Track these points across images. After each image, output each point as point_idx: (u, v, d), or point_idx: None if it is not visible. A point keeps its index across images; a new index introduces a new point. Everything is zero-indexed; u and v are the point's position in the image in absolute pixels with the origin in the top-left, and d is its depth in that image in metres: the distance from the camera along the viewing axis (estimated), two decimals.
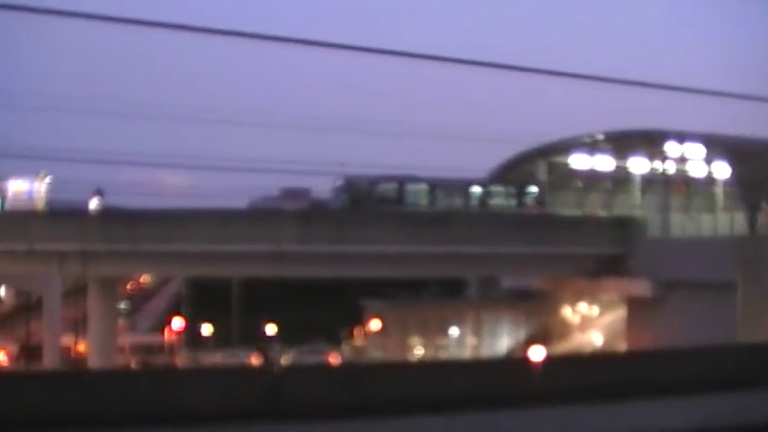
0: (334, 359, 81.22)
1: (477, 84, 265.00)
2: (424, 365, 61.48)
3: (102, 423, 28.01)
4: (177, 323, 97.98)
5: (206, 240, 56.48)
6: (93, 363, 64.87)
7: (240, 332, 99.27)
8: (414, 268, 62.09)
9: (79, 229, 57.87)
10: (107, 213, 62.64)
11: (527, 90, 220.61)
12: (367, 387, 36.33)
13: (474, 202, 67.36)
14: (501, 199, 68.31)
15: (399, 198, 66.27)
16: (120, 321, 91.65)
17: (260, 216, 62.20)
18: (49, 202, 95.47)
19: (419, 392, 35.93)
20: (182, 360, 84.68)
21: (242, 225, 57.96)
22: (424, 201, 66.54)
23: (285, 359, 73.15)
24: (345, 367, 58.57)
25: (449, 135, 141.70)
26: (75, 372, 60.67)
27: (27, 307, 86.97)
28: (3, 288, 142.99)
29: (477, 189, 68.06)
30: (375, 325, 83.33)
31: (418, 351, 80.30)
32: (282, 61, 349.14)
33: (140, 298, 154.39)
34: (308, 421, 29.95)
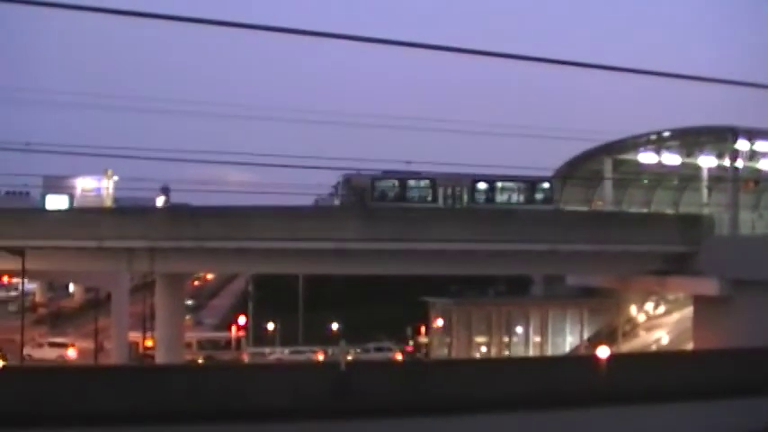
0: (398, 356, 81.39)
1: (543, 81, 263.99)
2: (487, 363, 61.44)
3: (172, 418, 28.33)
4: (243, 320, 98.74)
5: (271, 237, 56.70)
6: (161, 358, 65.48)
7: (305, 329, 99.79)
8: (477, 265, 61.87)
9: (146, 225, 58.39)
10: (174, 210, 63.24)
11: (594, 87, 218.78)
12: (431, 384, 36.42)
13: (480, 198, 65.65)
14: (509, 195, 66.39)
15: (401, 194, 65.24)
16: (187, 317, 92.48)
17: (324, 213, 62.27)
18: (117, 200, 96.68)
19: (483, 390, 35.94)
20: (247, 356, 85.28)
21: (306, 222, 58.07)
22: (426, 197, 65.33)
23: (350, 356, 73.40)
24: (410, 365, 58.67)
25: (515, 132, 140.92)
26: (143, 367, 61.42)
27: (96, 303, 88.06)
28: (72, 285, 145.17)
29: (483, 185, 66.11)
30: (439, 322, 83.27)
31: (483, 349, 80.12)
32: (351, 59, 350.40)
33: (206, 294, 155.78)
34: (373, 418, 30.05)
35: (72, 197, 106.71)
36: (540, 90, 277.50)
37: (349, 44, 16.48)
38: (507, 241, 58.55)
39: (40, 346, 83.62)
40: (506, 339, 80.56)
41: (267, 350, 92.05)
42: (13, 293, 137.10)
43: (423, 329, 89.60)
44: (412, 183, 65.51)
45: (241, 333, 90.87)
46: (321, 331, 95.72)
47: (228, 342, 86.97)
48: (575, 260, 62.34)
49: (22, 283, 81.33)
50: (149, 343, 74.05)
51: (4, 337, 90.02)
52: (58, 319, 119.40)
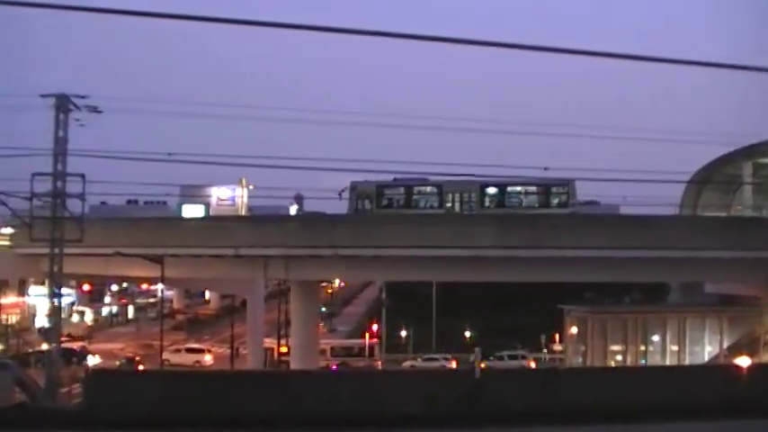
0: (532, 364, 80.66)
1: (678, 84, 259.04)
2: (623, 372, 60.45)
3: (307, 424, 28.59)
4: (376, 327, 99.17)
5: (404, 245, 56.85)
6: (295, 365, 66.16)
7: (438, 336, 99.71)
8: (612, 272, 60.89)
9: (281, 233, 59.14)
10: (308, 218, 63.88)
11: (732, 89, 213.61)
12: (566, 392, 35.98)
13: (489, 203, 64.47)
14: (521, 199, 64.88)
15: (407, 201, 65.05)
16: (321, 324, 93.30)
17: (457, 221, 62.10)
18: (251, 208, 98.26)
19: (618, 399, 35.37)
20: (381, 363, 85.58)
21: (440, 229, 58.02)
22: (433, 203, 64.73)
23: (484, 364, 73.03)
24: (544, 372, 58.08)
25: (652, 137, 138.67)
26: (278, 373, 62.15)
27: (231, 310, 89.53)
28: (208, 292, 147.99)
29: (492, 189, 64.77)
30: (574, 330, 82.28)
31: (618, 357, 78.84)
32: (484, 64, 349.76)
33: (340, 302, 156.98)
34: (506, 425, 29.82)
35: (208, 206, 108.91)
36: (679, 93, 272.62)
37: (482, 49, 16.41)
38: (643, 248, 57.40)
39: (178, 351, 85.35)
40: (642, 348, 78.99)
41: (400, 357, 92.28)
42: (152, 300, 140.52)
43: (557, 337, 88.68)
44: (418, 189, 65.10)
45: (374, 340, 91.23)
46: (454, 339, 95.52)
47: (362, 349, 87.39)
48: (714, 267, 60.79)
49: (161, 290, 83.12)
50: (284, 349, 74.90)
51: (144, 342, 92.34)
52: (195, 326, 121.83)
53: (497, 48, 13.81)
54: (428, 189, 65.15)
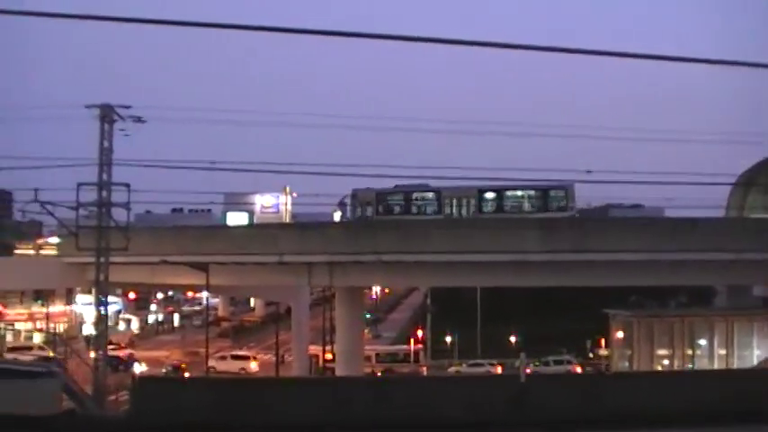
0: (578, 369, 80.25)
1: (721, 84, 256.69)
2: (670, 376, 59.89)
3: (352, 430, 28.62)
4: (421, 333, 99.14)
5: (448, 250, 56.74)
6: (341, 371, 66.27)
7: (483, 342, 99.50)
8: (658, 276, 60.40)
9: (325, 240, 59.25)
10: (351, 225, 64.00)
11: None
12: (613, 397, 35.75)
13: (488, 208, 65.02)
14: (519, 203, 65.21)
15: (406, 207, 65.91)
16: (366, 331, 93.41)
17: (501, 225, 61.89)
18: (295, 215, 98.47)
19: (665, 404, 35.08)
20: (426, 369, 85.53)
21: (484, 234, 57.85)
22: (432, 209, 65.48)
23: (529, 369, 72.70)
24: (590, 377, 57.78)
25: (695, 138, 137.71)
26: (324, 379, 62.28)
27: (276, 317, 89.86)
28: (253, 299, 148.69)
29: (490, 194, 65.11)
30: (620, 335, 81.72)
31: (665, 362, 78.17)
32: (522, 67, 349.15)
33: (384, 308, 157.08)
34: (552, 431, 29.68)
35: (252, 214, 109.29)
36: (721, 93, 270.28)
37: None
38: (690, 250, 56.83)
39: (224, 358, 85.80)
40: (689, 352, 78.30)
41: (446, 363, 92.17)
42: (197, 308, 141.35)
43: (603, 342, 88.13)
44: (416, 195, 65.70)
45: (419, 346, 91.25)
46: (499, 344, 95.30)
47: (407, 355, 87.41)
48: (762, 269, 60.03)
49: (206, 298, 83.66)
50: (329, 356, 75.05)
51: (190, 349, 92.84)
52: (240, 333, 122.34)
53: (533, 51, 13.78)
54: (426, 195, 65.99)
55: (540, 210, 63.93)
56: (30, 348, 69.60)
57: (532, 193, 64.86)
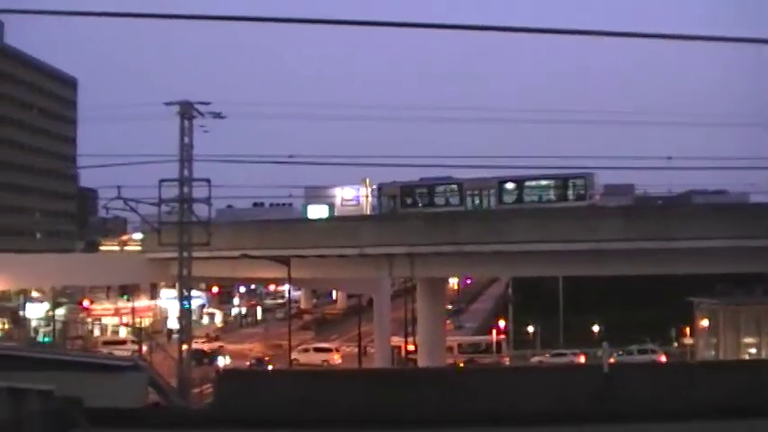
0: (662, 359, 79.31)
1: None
2: (758, 365, 58.90)
3: (434, 421, 28.61)
4: (502, 323, 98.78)
5: (527, 240, 56.34)
6: (423, 362, 66.29)
7: (566, 331, 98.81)
8: (743, 263, 59.20)
9: (405, 231, 59.18)
10: (431, 215, 63.95)
11: None
12: (698, 387, 35.25)
13: (509, 199, 65.53)
14: (539, 194, 65.66)
15: (430, 200, 67.20)
16: (447, 321, 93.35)
17: (582, 213, 61.32)
18: (374, 207, 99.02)
19: (754, 394, 34.46)
20: (508, 359, 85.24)
21: (563, 223, 57.34)
22: (455, 201, 66.39)
23: (612, 359, 72.02)
24: (675, 367, 57.04)
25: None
26: (406, 371, 62.33)
27: (358, 309, 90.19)
28: (335, 291, 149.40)
29: (510, 185, 65.67)
30: (705, 323, 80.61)
31: (752, 350, 76.92)
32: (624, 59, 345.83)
33: (466, 299, 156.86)
34: (636, 422, 29.36)
35: (332, 207, 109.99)
36: None
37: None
38: None
39: (306, 351, 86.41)
40: None
41: (528, 353, 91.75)
42: (280, 301, 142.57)
43: (687, 331, 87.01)
44: (439, 188, 67.30)
45: (501, 336, 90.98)
46: (582, 333, 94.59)
47: (489, 346, 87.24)
48: None
49: (288, 291, 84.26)
50: (411, 347, 75.19)
51: (273, 342, 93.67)
52: (323, 325, 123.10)
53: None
54: (449, 187, 67.32)
55: (560, 199, 64.55)
56: (123, 342, 70.75)
57: (551, 182, 65.51)
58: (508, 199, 65.68)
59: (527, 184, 65.64)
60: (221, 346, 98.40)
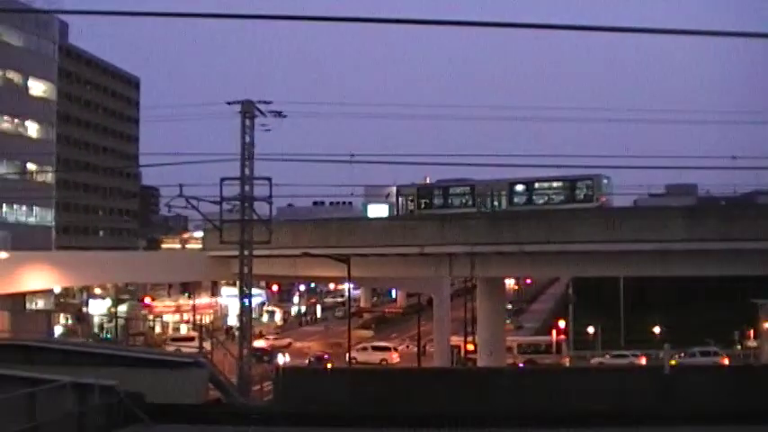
0: (725, 361, 78.34)
1: None
2: None
3: (493, 421, 28.48)
4: (563, 323, 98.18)
5: (589, 240, 55.96)
6: (482, 362, 66.12)
7: (626, 332, 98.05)
8: None
9: (466, 231, 59.07)
10: (492, 215, 63.80)
11: None
12: (760, 392, 34.72)
13: (519, 200, 66.54)
14: (548, 195, 66.61)
15: (445, 202, 68.79)
16: (507, 321, 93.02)
17: (644, 214, 60.73)
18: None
19: None
20: (568, 360, 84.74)
21: (626, 223, 56.84)
22: (467, 202, 67.93)
23: (674, 360, 71.24)
24: (738, 370, 56.28)
25: None
26: (465, 370, 62.18)
27: (418, 308, 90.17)
28: (395, 290, 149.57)
29: (520, 187, 66.74)
30: None
31: None
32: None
33: (526, 299, 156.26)
34: (698, 424, 28.99)
35: (392, 206, 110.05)
36: None
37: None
38: None
39: (365, 349, 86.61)
40: None
41: (588, 354, 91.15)
42: (339, 299, 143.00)
43: (751, 333, 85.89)
44: (452, 190, 69.29)
45: (561, 337, 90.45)
46: (643, 334, 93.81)
47: (549, 346, 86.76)
48: None
49: (348, 289, 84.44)
50: (471, 347, 75.02)
51: (332, 341, 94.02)
52: (382, 324, 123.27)
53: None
54: (462, 190, 69.21)
55: (568, 201, 65.32)
56: (191, 339, 71.52)
57: (560, 184, 66.42)
58: (518, 200, 66.95)
59: (537, 186, 66.83)
60: (290, 343, 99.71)
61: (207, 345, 48.65)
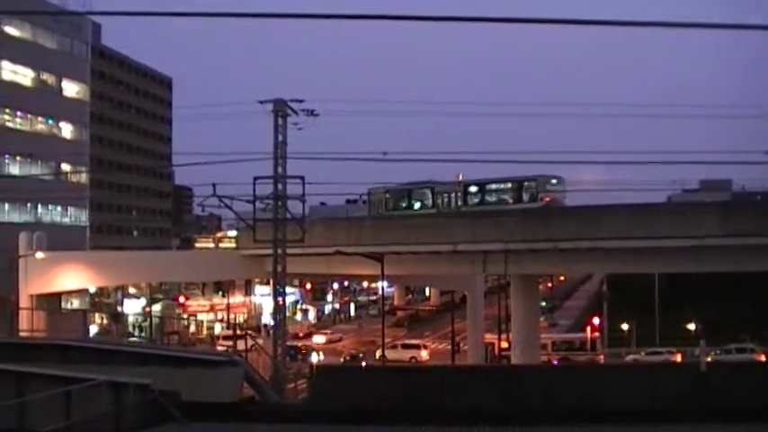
0: (762, 358, 77.75)
1: None
2: None
3: (526, 418, 28.39)
4: (597, 321, 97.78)
5: (624, 236, 55.69)
6: (516, 359, 65.95)
7: (661, 329, 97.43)
8: None
9: (499, 228, 58.99)
10: (526, 212, 63.67)
11: None
12: None
13: (473, 201, 68.69)
14: (498, 196, 69.08)
15: (408, 203, 71.86)
16: (542, 319, 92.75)
17: (678, 210, 60.38)
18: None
19: None
20: (603, 357, 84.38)
21: (660, 219, 56.52)
22: (426, 203, 70.97)
23: (710, 358, 70.77)
24: None
25: None
26: (499, 368, 62.05)
27: (451, 306, 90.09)
28: (428, 288, 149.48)
29: (474, 188, 69.35)
30: None
31: None
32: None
33: (560, 296, 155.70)
34: (734, 421, 28.76)
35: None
36: None
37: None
38: None
39: (395, 347, 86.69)
40: None
41: (623, 351, 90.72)
42: (373, 297, 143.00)
43: None
44: (414, 192, 72.77)
45: (596, 334, 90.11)
46: (678, 331, 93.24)
47: (583, 343, 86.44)
48: None
49: (382, 287, 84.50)
50: (505, 344, 74.87)
51: (366, 339, 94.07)
52: (416, 322, 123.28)
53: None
54: (423, 192, 72.46)
55: (516, 201, 67.86)
56: (242, 337, 72.09)
57: (509, 185, 68.98)
58: (471, 201, 69.14)
59: (488, 187, 69.46)
60: (341, 338, 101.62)
61: (251, 342, 48.94)
